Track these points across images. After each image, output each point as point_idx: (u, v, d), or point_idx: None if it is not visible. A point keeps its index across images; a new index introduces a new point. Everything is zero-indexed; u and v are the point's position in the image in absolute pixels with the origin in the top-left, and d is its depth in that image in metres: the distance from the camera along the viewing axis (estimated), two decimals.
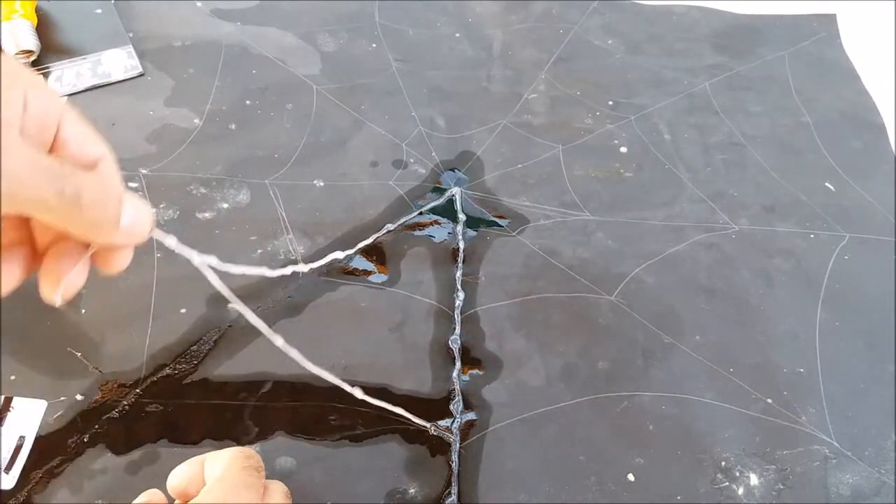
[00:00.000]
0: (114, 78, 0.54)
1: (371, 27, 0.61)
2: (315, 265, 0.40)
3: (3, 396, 0.38)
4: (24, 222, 0.22)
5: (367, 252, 0.46)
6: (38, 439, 0.37)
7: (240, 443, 0.38)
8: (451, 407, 0.40)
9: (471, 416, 0.40)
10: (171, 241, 0.24)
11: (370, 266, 0.46)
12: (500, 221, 0.49)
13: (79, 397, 0.39)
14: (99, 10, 0.58)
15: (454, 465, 0.38)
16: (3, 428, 0.37)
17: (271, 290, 0.44)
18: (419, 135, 0.54)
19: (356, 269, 0.46)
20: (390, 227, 0.48)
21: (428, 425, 0.39)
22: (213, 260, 0.26)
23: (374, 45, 0.60)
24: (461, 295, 0.45)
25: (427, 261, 0.46)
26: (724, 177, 0.53)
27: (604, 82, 0.59)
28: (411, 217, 0.48)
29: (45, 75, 0.53)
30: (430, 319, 0.44)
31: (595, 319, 0.45)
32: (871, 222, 0.51)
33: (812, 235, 0.50)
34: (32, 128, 0.19)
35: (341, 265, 0.46)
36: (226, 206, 0.48)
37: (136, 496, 0.35)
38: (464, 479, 0.38)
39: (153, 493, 0.29)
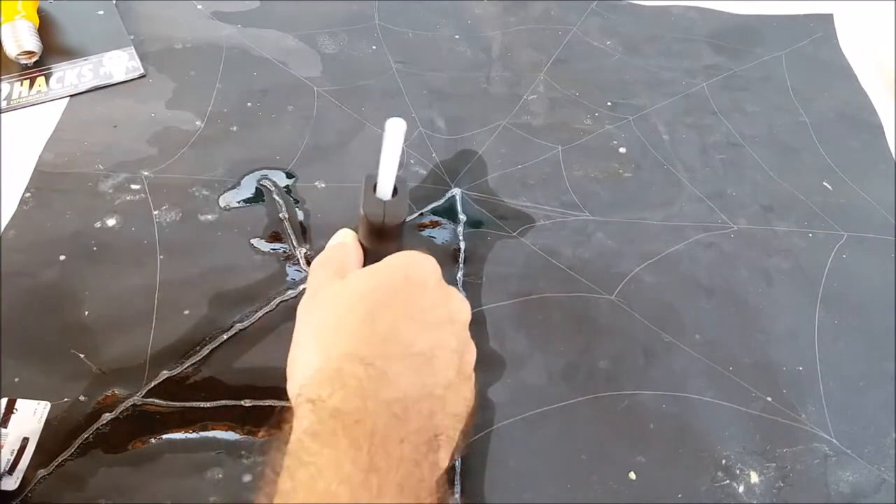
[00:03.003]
0: (115, 79, 0.54)
1: (371, 29, 0.61)
2: None
3: (6, 398, 0.38)
4: None
5: None
6: (42, 440, 0.37)
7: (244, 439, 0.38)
8: None
9: None
10: None
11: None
12: (500, 222, 0.49)
13: (82, 398, 0.39)
14: (101, 12, 0.58)
15: (457, 464, 0.38)
16: (6, 430, 0.37)
17: (272, 291, 0.44)
18: (419, 136, 0.54)
19: None
20: None
21: None
22: None
23: (374, 47, 0.60)
24: (462, 295, 0.45)
25: None
26: (723, 177, 0.54)
27: (602, 83, 0.59)
28: (412, 217, 0.49)
29: (47, 76, 0.53)
30: None
31: (595, 319, 0.45)
32: (869, 221, 0.51)
33: (810, 234, 0.50)
34: None
35: None
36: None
37: (139, 497, 0.36)
38: (467, 478, 0.38)
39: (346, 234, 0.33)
